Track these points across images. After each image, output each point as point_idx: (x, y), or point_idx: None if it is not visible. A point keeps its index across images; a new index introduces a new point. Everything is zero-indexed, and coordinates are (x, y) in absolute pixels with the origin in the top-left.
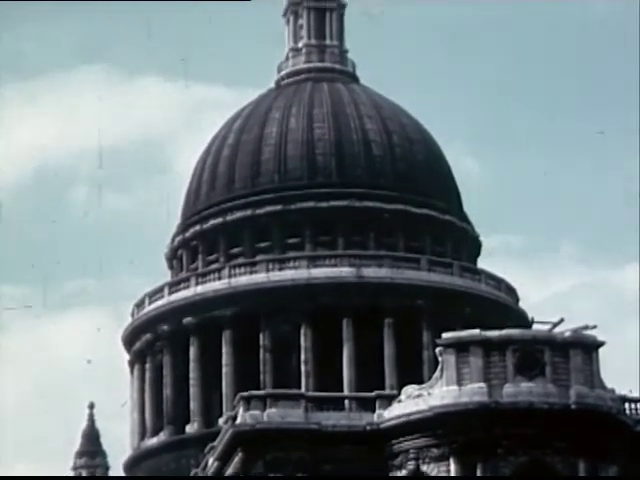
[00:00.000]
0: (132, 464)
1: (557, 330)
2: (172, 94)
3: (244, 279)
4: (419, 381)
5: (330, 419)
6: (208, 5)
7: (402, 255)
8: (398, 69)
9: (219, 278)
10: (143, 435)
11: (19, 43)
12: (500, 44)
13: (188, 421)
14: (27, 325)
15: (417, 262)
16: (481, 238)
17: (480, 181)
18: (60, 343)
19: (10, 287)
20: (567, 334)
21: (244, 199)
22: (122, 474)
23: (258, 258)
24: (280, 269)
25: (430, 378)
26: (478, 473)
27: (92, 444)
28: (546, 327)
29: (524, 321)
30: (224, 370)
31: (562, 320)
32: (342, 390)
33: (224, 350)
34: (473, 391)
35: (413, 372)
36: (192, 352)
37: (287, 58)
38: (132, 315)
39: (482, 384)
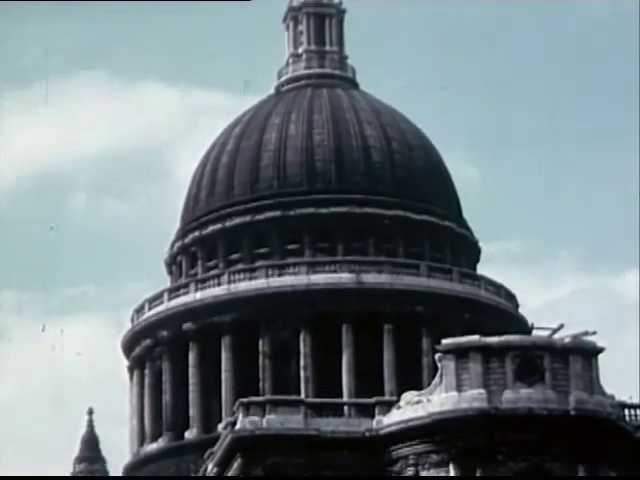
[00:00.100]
0: (131, 470)
1: (557, 336)
2: (172, 100)
3: (243, 285)
4: (418, 387)
5: (329, 425)
6: (208, 11)
7: (402, 261)
8: (398, 75)
9: (218, 284)
10: (142, 441)
11: (19, 49)
12: (500, 51)
13: (187, 427)
14: (26, 331)
15: (417, 268)
16: (480, 244)
17: (479, 187)
18: (59, 349)
19: (10, 293)
20: (567, 340)
21: (243, 205)
22: None
23: (257, 264)
24: (279, 275)
25: (429, 384)
26: None
27: (91, 450)
28: (546, 333)
29: (524, 327)
30: (223, 376)
31: (562, 326)
32: (341, 396)
33: (223, 356)
34: (472, 397)
35: (412, 378)
36: (191, 358)
37: (287, 64)
38: (131, 321)
39: (481, 390)
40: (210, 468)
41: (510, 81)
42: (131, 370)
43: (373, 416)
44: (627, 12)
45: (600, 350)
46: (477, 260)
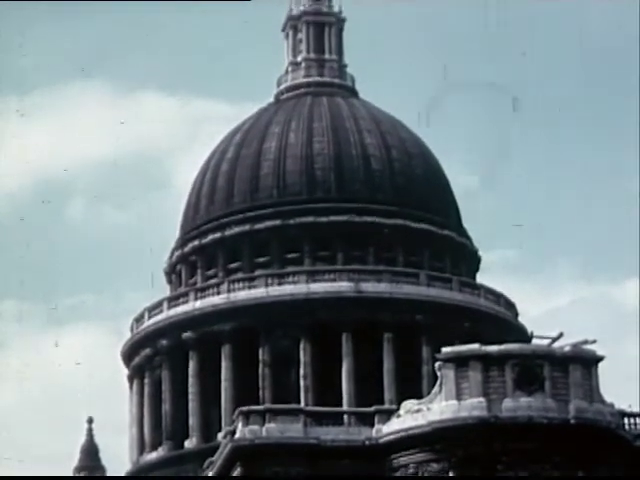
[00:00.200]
0: None
1: (556, 345)
2: (171, 109)
3: (243, 294)
4: (418, 396)
5: (329, 434)
6: (208, 20)
7: (401, 270)
8: (397, 83)
9: (218, 293)
10: (142, 450)
11: (18, 57)
12: (499, 59)
13: (187, 436)
14: (26, 340)
15: (416, 277)
16: (480, 253)
17: (479, 196)
18: (59, 358)
19: (9, 302)
20: (566, 349)
21: (243, 214)
22: None
23: (257, 273)
24: (279, 284)
25: (429, 393)
26: None
27: (91, 459)
28: (545, 342)
29: (523, 336)
30: (223, 385)
31: (561, 335)
32: (341, 405)
33: (223, 365)
34: (472, 406)
35: (412, 387)
36: (191, 367)
37: (286, 72)
38: (131, 330)
39: (481, 399)
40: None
41: (509, 89)
42: (131, 379)
43: (373, 425)
44: (627, 12)
45: (600, 359)
46: (477, 269)
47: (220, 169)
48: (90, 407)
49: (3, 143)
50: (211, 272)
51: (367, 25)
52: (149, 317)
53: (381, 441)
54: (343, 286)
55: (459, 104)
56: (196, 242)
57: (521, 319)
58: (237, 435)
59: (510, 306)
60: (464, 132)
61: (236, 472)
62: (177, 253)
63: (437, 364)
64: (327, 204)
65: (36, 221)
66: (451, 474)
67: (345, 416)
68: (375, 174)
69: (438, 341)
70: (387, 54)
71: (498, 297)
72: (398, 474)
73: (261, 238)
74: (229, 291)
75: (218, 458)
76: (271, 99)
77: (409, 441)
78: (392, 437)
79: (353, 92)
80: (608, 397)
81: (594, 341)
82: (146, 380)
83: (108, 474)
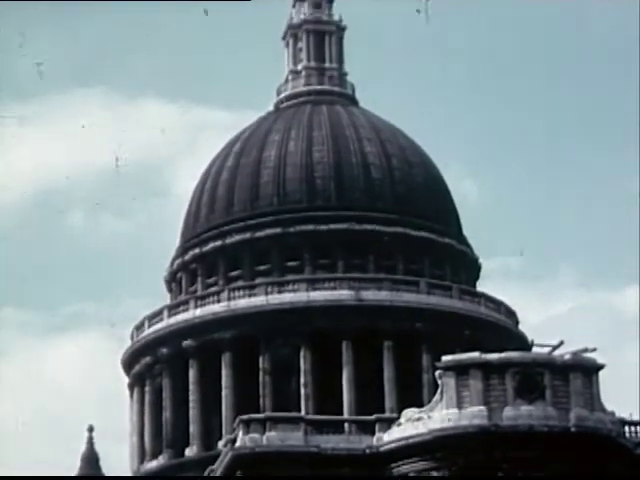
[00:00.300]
0: None
1: (557, 353)
2: (171, 117)
3: (243, 302)
4: (419, 404)
5: (330, 442)
6: (208, 27)
7: (401, 278)
8: (397, 92)
9: (218, 301)
10: (142, 458)
11: (17, 66)
12: (498, 67)
13: (187, 444)
14: (26, 348)
15: (416, 285)
16: (480, 261)
17: (479, 204)
18: (59, 366)
19: (9, 310)
20: (567, 357)
21: (243, 222)
22: None
23: (257, 281)
24: (279, 292)
25: (430, 400)
26: None
27: (91, 467)
28: (546, 350)
29: (524, 344)
30: (224, 393)
31: (562, 343)
32: (342, 413)
33: (223, 373)
34: (473, 414)
35: (413, 395)
36: (191, 375)
37: (286, 81)
38: (131, 338)
39: (482, 407)
40: None
41: (509, 97)
42: (131, 387)
43: (373, 433)
44: (627, 12)
45: (600, 367)
46: (477, 277)
47: (220, 177)
48: (90, 415)
49: (3, 151)
50: (211, 280)
51: (367, 34)
52: (149, 325)
53: (382, 449)
54: (343, 294)
55: (459, 112)
56: (197, 250)
57: (521, 327)
58: (238, 443)
59: (510, 314)
60: (464, 139)
61: None
62: (177, 261)
63: (438, 372)
64: (327, 212)
65: (36, 229)
66: None
67: (346, 424)
68: (375, 182)
69: (438, 349)
70: (387, 62)
71: (498, 305)
72: None
73: (261, 246)
74: (229, 299)
75: (219, 466)
76: (271, 107)
77: (410, 449)
78: (393, 445)
79: (353, 100)
80: (609, 405)
81: (594, 349)
82: (147, 388)
83: None
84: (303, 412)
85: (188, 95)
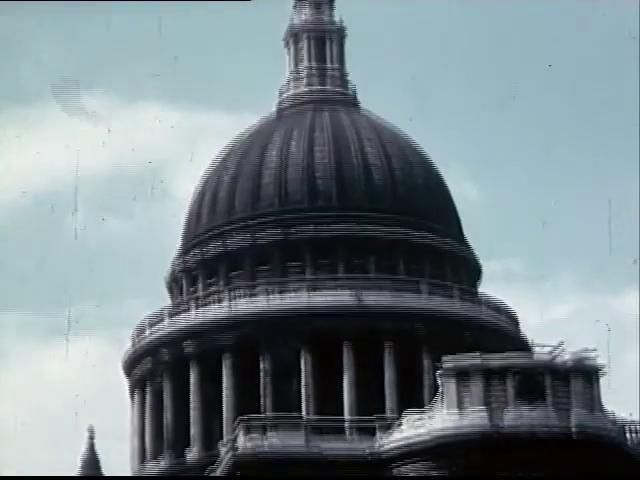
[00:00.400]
0: None
1: (557, 355)
2: (172, 118)
3: (244, 304)
4: (419, 405)
5: (330, 445)
6: (208, 30)
7: (402, 280)
8: (398, 93)
9: (219, 303)
10: (143, 460)
11: (17, 69)
12: (499, 69)
13: (188, 446)
14: (26, 350)
15: (417, 287)
16: (481, 262)
17: (480, 205)
18: (59, 368)
19: (10, 314)
20: (567, 359)
21: (244, 223)
22: None
23: (258, 282)
24: (280, 294)
25: (430, 402)
26: None
27: (92, 470)
28: (546, 352)
29: (524, 346)
30: (224, 395)
31: (562, 345)
32: (342, 414)
33: (224, 375)
34: (474, 416)
35: (413, 396)
36: (192, 377)
37: (288, 82)
38: (132, 340)
39: (482, 409)
40: None
41: (510, 100)
42: (132, 389)
43: (374, 435)
44: (627, 12)
45: (601, 369)
46: (478, 278)
47: (221, 178)
48: (91, 417)
49: (4, 154)
50: (212, 281)
51: (368, 35)
52: (150, 327)
53: (383, 451)
54: (344, 296)
55: (460, 114)
56: (197, 251)
57: (522, 329)
58: (238, 445)
59: (511, 316)
60: (464, 141)
61: None
62: (178, 263)
63: (438, 374)
64: (328, 213)
65: (36, 231)
66: None
67: (347, 426)
68: (376, 183)
69: (439, 351)
70: (388, 64)
71: (499, 307)
72: None
73: (262, 247)
74: (230, 301)
75: (219, 468)
76: (272, 109)
77: (410, 452)
78: (393, 447)
79: (354, 102)
80: (609, 407)
81: (595, 351)
82: (147, 390)
83: None
84: (304, 414)
85: (189, 97)
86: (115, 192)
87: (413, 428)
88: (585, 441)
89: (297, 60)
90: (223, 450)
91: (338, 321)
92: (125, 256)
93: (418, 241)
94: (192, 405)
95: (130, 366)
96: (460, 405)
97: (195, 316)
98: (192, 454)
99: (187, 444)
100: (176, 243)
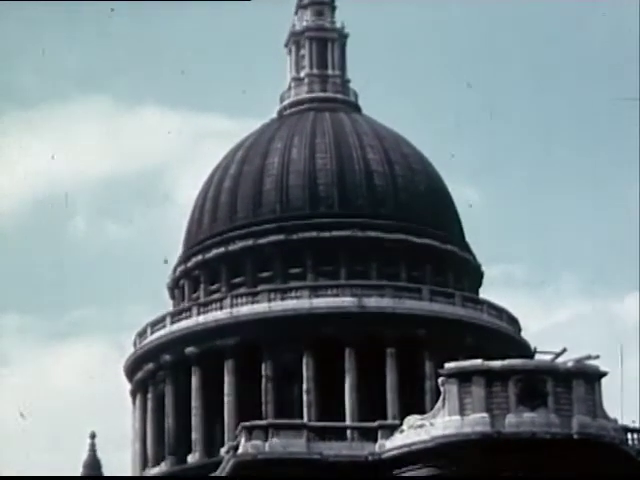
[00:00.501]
0: None
1: (559, 360)
2: (173, 124)
3: (246, 309)
4: (421, 410)
5: (332, 449)
6: (210, 35)
7: (404, 285)
8: (400, 99)
9: (221, 308)
10: (144, 465)
11: (19, 73)
12: (501, 74)
13: (190, 451)
14: (28, 354)
15: (419, 292)
16: (482, 268)
17: (481, 211)
18: (61, 372)
19: (11, 317)
20: (569, 364)
21: (246, 229)
22: None
23: (260, 288)
24: (282, 299)
25: (432, 407)
26: None
27: (94, 474)
28: (548, 357)
29: (526, 351)
30: (226, 400)
31: (564, 350)
32: (344, 419)
33: (226, 380)
34: (475, 421)
35: (415, 401)
36: (194, 382)
37: (289, 88)
38: (134, 345)
39: (484, 414)
40: None
41: (510, 105)
42: (134, 394)
43: (376, 440)
44: (627, 12)
45: (603, 374)
46: (479, 284)
47: (223, 185)
48: (92, 422)
49: (5, 158)
50: (214, 287)
51: (370, 40)
52: (152, 332)
53: (384, 456)
54: (346, 301)
55: (462, 120)
56: (199, 257)
57: (524, 334)
58: (240, 450)
59: (513, 321)
60: (467, 147)
61: None
62: (180, 268)
63: (440, 379)
64: (330, 219)
65: (38, 236)
66: None
67: (348, 431)
68: (378, 189)
69: (441, 356)
70: (390, 69)
71: (501, 312)
72: None
73: (264, 253)
74: (232, 306)
75: (221, 473)
76: (274, 115)
77: (412, 456)
78: (395, 452)
79: (356, 107)
80: (611, 412)
81: (597, 356)
82: (149, 395)
83: None
84: (305, 419)
85: (190, 102)
86: (116, 197)
87: (415, 433)
88: (587, 446)
89: (299, 65)
90: (225, 455)
91: (340, 326)
92: (127, 261)
93: (420, 247)
94: (194, 410)
95: (132, 370)
96: (462, 410)
97: (197, 320)
98: (194, 459)
99: (189, 449)
100: (178, 248)
